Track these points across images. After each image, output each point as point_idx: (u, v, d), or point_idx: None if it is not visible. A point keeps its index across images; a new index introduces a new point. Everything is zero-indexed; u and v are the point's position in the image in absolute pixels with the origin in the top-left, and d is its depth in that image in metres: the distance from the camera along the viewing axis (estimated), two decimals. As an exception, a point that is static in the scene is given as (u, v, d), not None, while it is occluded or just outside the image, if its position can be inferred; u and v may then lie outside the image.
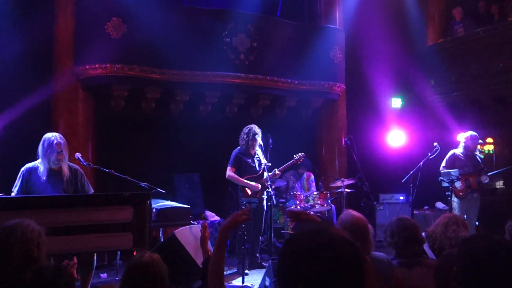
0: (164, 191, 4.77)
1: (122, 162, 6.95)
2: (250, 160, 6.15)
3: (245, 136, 6.10)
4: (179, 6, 7.67)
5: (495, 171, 7.09)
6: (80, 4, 6.80)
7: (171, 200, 6.08)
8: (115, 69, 6.67)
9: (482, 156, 7.39)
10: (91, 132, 7.05)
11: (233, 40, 7.34)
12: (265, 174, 5.81)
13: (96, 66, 6.62)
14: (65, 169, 4.38)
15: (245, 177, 6.03)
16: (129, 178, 4.61)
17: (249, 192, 5.97)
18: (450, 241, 2.99)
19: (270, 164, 5.97)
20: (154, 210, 4.88)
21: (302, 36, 8.07)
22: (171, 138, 7.59)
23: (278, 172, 6.10)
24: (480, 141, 7.28)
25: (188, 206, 5.13)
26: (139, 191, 4.38)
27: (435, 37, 9.60)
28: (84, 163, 4.61)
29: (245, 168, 6.09)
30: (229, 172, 6.06)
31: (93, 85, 6.86)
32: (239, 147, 6.24)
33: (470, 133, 6.96)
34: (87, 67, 6.67)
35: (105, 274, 5.90)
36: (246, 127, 6.21)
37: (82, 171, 4.61)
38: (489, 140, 10.55)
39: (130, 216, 4.04)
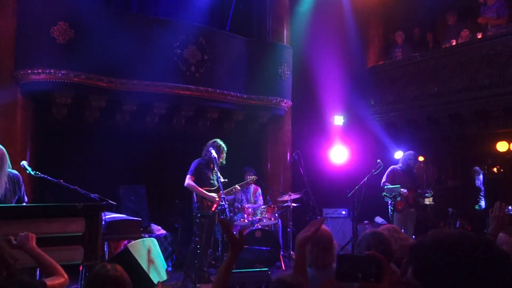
0: (115, 203, 4.59)
1: (63, 172, 6.57)
2: (210, 174, 6.07)
3: (211, 149, 5.98)
4: (129, 14, 7.51)
5: (424, 191, 7.50)
6: (23, 4, 6.45)
7: (115, 213, 5.85)
8: (60, 75, 6.39)
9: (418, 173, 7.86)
10: (30, 139, 6.67)
11: (184, 51, 7.30)
12: (220, 187, 5.76)
13: (39, 71, 6.30)
14: (3, 179, 4.10)
15: (203, 189, 5.95)
16: (78, 189, 4.40)
17: (205, 204, 5.90)
18: (404, 249, 3.08)
19: (227, 180, 5.93)
20: (103, 223, 4.68)
21: (252, 51, 8.19)
22: (116, 148, 7.33)
23: (238, 188, 6.10)
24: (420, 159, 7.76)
25: (139, 219, 4.96)
26: (90, 203, 4.18)
27: (375, 59, 10.11)
28: (32, 172, 4.34)
29: (205, 180, 5.98)
30: (189, 180, 5.90)
31: (34, 91, 6.51)
32: (200, 159, 6.09)
33: (411, 152, 7.38)
34: (29, 71, 6.33)
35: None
36: (212, 141, 6.09)
37: (21, 178, 4.37)
38: (421, 158, 11.24)
39: (82, 228, 3.84)
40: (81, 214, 3.85)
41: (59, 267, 2.54)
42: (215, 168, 5.82)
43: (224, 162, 6.01)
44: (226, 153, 6.13)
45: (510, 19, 8.06)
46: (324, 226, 3.00)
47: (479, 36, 8.25)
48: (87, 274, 4.27)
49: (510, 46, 7.46)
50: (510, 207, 5.94)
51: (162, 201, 7.52)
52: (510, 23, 7.93)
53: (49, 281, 2.40)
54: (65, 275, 2.53)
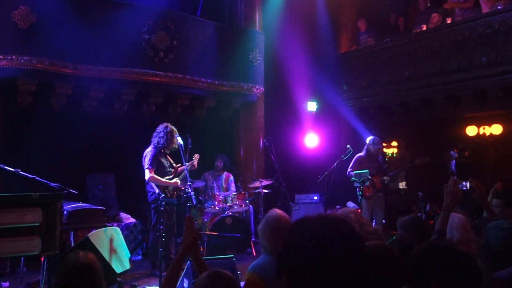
0: (76, 192, 4.51)
1: (29, 162, 6.47)
2: (164, 161, 5.99)
3: (163, 135, 5.86)
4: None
5: (392, 172, 7.59)
6: (-19, -12, 6.23)
7: (82, 202, 5.76)
8: (22, 61, 6.19)
9: (385, 158, 7.90)
10: (-6, 128, 6.49)
11: (152, 37, 7.16)
12: (186, 175, 5.67)
13: (0, 57, 6.11)
14: None
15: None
16: (37, 178, 4.31)
17: (168, 193, 5.84)
18: (368, 234, 3.07)
19: (188, 164, 5.84)
20: (65, 212, 4.60)
21: (223, 37, 8.08)
22: (83, 136, 7.20)
23: (189, 167, 5.99)
24: (384, 144, 7.81)
25: (103, 208, 4.89)
26: (49, 192, 4.10)
27: (347, 44, 10.10)
28: (-14, 162, 4.23)
29: (162, 169, 5.89)
30: (151, 173, 5.77)
31: (-4, 78, 6.32)
32: (152, 147, 5.95)
33: (372, 137, 7.42)
34: (-10, 57, 6.13)
35: (7, 283, 5.45)
36: (162, 125, 5.97)
37: None
38: (394, 143, 11.35)
39: (38, 218, 3.77)
40: (37, 204, 3.78)
41: None
42: (182, 156, 5.70)
43: (176, 147, 5.89)
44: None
45: (476, 3, 8.12)
46: (283, 213, 2.97)
47: (449, 21, 8.29)
48: (47, 265, 4.21)
49: (477, 31, 7.51)
50: (464, 183, 6.03)
51: (132, 189, 7.41)
52: (475, 8, 7.99)
53: None
54: None
